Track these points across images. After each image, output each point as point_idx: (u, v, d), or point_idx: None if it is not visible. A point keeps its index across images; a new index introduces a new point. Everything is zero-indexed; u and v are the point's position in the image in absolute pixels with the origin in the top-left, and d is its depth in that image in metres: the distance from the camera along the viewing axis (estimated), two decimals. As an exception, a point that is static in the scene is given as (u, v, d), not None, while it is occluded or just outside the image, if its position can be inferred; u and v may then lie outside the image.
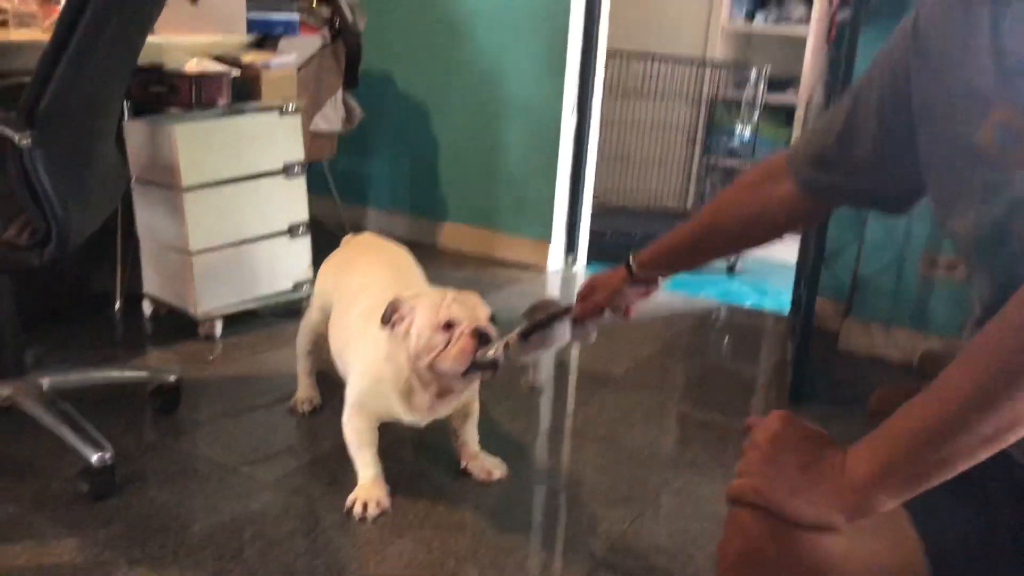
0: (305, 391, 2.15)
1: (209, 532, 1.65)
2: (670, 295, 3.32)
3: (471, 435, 1.90)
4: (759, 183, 1.16)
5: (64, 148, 1.59)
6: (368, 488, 1.75)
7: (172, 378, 2.10)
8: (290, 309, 2.76)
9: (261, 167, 2.58)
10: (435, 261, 3.57)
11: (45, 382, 1.89)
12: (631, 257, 1.35)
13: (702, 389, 2.51)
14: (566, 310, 1.45)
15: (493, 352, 1.54)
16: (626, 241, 3.84)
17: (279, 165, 2.61)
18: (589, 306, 1.42)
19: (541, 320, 1.46)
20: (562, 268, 3.56)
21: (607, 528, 1.75)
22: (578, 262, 3.57)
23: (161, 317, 2.68)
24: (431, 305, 1.61)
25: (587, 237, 3.60)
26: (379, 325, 1.65)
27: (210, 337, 2.56)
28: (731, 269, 3.95)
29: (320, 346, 2.08)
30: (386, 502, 1.74)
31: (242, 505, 1.75)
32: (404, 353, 1.63)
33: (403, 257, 2.09)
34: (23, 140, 1.49)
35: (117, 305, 2.72)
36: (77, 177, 1.65)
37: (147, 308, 2.69)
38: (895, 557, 0.85)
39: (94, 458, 1.72)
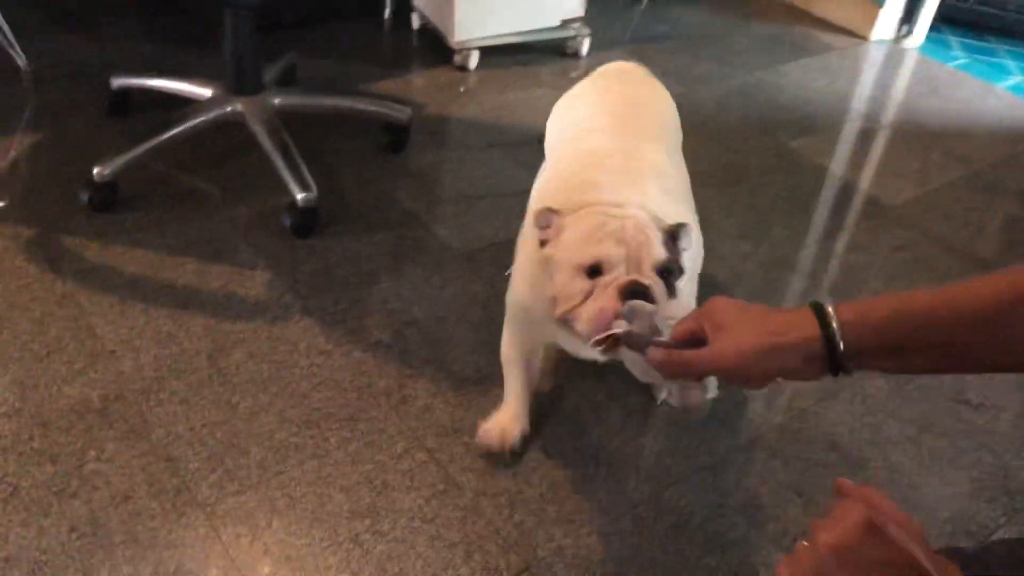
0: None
1: (383, 299, 1.68)
2: (1012, 101, 2.70)
3: None
4: None
5: None
6: (504, 424, 1.38)
7: (404, 117, 2.06)
8: (553, 48, 2.58)
9: None
10: (739, 6, 3.14)
11: (276, 102, 1.92)
12: (830, 313, 0.77)
13: (979, 242, 2.07)
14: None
15: (625, 328, 0.99)
16: (995, 17, 3.10)
17: None
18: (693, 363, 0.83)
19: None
20: (889, 42, 2.98)
21: (788, 403, 1.56)
22: (913, 37, 2.96)
23: (427, 33, 2.61)
24: (583, 232, 1.13)
25: (936, 4, 2.94)
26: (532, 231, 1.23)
27: (464, 68, 2.47)
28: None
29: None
30: (517, 446, 1.38)
31: (425, 280, 1.74)
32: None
33: (653, 109, 1.56)
34: None
35: (387, 12, 2.68)
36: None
37: (415, 21, 2.63)
38: None
39: (299, 197, 1.76)
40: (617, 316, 1.01)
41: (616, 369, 1.33)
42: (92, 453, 1.33)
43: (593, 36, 2.58)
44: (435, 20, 2.50)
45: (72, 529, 1.23)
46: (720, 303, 0.83)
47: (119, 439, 1.36)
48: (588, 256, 1.09)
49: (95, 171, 1.75)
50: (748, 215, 2.03)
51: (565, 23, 2.53)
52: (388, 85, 2.39)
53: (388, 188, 1.98)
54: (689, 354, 0.82)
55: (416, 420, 1.44)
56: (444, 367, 1.54)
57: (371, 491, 1.32)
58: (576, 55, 2.56)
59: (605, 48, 2.62)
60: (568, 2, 2.51)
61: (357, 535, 1.26)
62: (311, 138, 1.91)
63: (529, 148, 2.04)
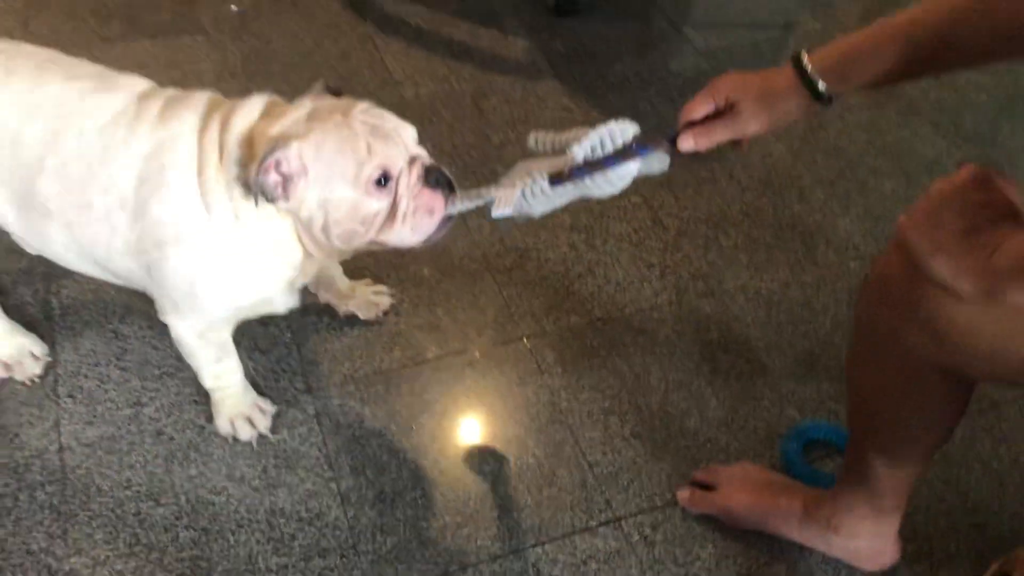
0: None
1: (624, 76, 1.87)
2: None
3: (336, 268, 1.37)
4: None
5: None
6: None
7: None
8: None
9: None
10: None
11: None
12: (802, 56, 0.91)
13: None
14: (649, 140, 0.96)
15: (502, 203, 0.96)
16: None
17: None
18: (707, 131, 0.95)
19: (600, 159, 0.93)
20: None
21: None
22: None
23: None
24: (337, 149, 0.95)
25: None
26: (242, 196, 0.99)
27: None
28: None
29: None
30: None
31: (663, 66, 1.91)
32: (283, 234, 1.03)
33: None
34: None
35: None
36: None
37: None
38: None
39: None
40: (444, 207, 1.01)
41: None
42: (375, 150, 1.65)
43: None
44: None
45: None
46: (730, 81, 0.95)
47: (396, 144, 1.67)
48: (375, 166, 0.95)
49: (397, -63, 2.03)
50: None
51: None
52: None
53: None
54: (724, 130, 0.95)
55: (637, 172, 1.65)
56: (669, 137, 1.73)
57: (589, 215, 1.56)
58: None
59: None
60: None
61: (574, 243, 1.52)
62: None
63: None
